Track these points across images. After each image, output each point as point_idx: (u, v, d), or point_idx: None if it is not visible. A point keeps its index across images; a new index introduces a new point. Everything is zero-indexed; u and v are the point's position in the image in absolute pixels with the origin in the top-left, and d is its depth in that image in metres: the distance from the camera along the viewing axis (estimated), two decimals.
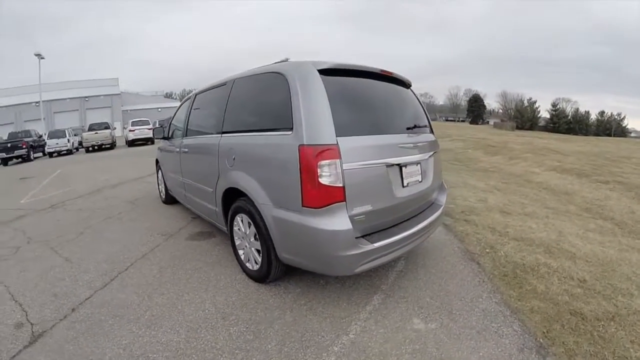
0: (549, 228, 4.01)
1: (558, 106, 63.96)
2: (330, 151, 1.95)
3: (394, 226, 2.35)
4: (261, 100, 2.62)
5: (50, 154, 18.20)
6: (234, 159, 2.71)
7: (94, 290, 2.77)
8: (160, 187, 5.72)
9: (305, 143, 1.99)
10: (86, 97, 39.02)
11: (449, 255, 3.18)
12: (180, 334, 2.10)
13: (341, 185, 1.96)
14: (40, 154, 18.97)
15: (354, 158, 2.04)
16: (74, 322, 2.34)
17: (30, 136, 18.46)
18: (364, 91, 2.48)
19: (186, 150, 3.89)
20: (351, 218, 2.00)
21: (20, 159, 17.02)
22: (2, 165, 16.38)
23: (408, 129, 2.66)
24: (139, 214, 5.07)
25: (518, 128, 52.76)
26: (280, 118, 2.22)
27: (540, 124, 60.99)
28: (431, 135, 3.04)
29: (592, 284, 2.64)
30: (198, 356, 1.88)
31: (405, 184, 2.40)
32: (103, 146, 19.45)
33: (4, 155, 16.30)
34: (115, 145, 21.07)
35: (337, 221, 1.94)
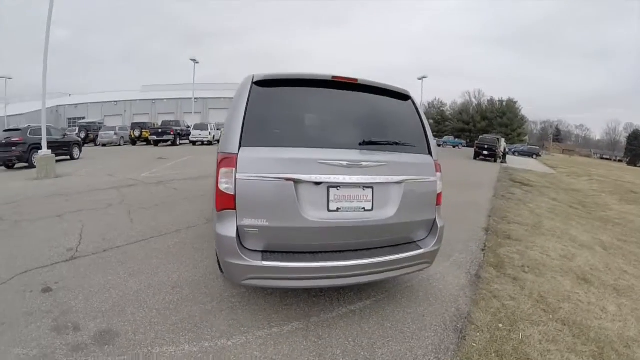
0: (636, 316, 3.01)
1: None
2: (229, 160, 2.15)
3: (309, 252, 2.27)
4: None
5: (194, 143, 23.32)
6: None
7: (127, 243, 3.91)
8: None
9: (219, 151, 2.30)
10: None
11: (431, 315, 2.69)
12: (140, 285, 2.88)
13: (232, 193, 2.12)
14: (187, 141, 24.24)
15: (253, 169, 2.13)
16: (98, 258, 3.46)
17: (179, 126, 24.35)
18: (300, 101, 2.48)
19: None
20: (241, 228, 2.14)
21: (168, 143, 22.31)
22: (154, 146, 21.92)
23: (361, 144, 2.39)
24: (208, 199, 6.38)
25: None
26: None
27: None
28: (419, 156, 2.64)
29: None
30: (131, 301, 2.61)
31: (333, 208, 2.25)
32: None
33: (154, 138, 22.47)
34: None
35: (225, 227, 2.14)
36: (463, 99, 66.31)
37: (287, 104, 2.45)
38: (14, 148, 11.18)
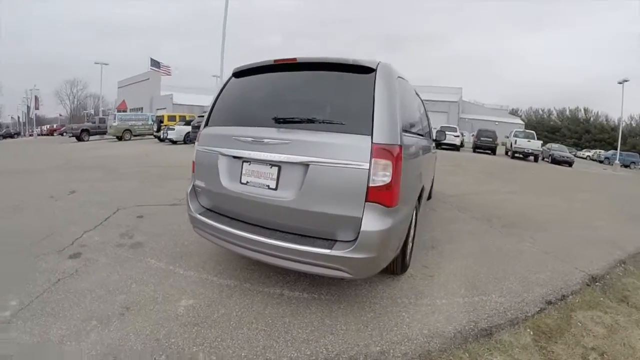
0: None
1: None
2: (198, 136, 3.03)
3: (233, 219, 2.72)
4: None
5: None
6: None
7: None
8: None
9: None
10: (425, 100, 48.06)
11: (335, 341, 2.21)
12: (189, 226, 4.28)
13: (194, 160, 3.01)
14: None
15: (204, 143, 2.90)
16: (172, 207, 5.13)
17: None
18: (251, 87, 2.95)
19: None
20: (194, 187, 2.99)
21: None
22: None
23: (278, 122, 2.56)
24: None
25: None
26: None
27: None
28: (345, 136, 2.31)
29: None
30: (173, 234, 3.92)
31: (244, 181, 2.61)
32: None
33: None
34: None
35: (190, 186, 3.07)
36: None
37: (243, 89, 3.01)
38: None
